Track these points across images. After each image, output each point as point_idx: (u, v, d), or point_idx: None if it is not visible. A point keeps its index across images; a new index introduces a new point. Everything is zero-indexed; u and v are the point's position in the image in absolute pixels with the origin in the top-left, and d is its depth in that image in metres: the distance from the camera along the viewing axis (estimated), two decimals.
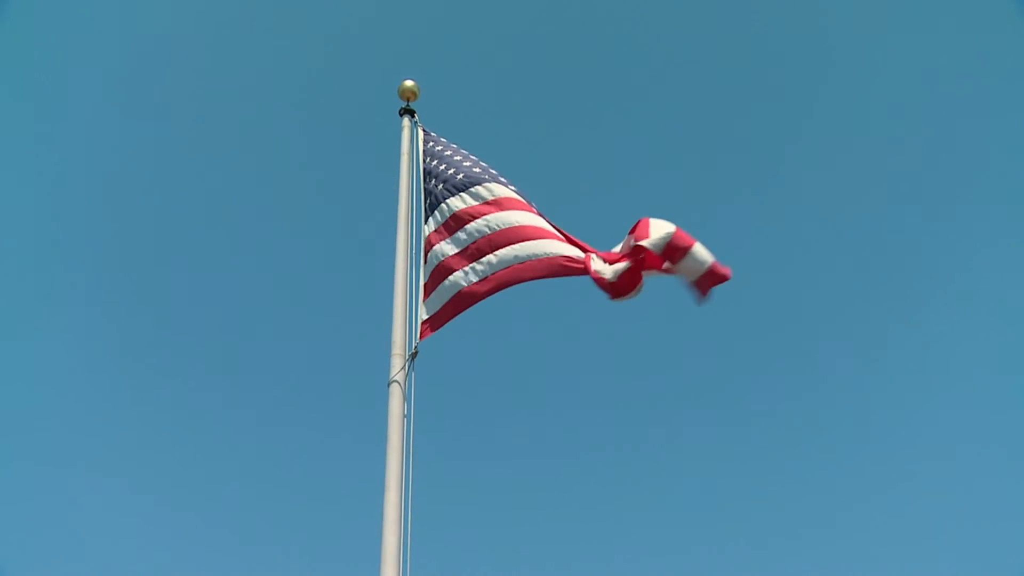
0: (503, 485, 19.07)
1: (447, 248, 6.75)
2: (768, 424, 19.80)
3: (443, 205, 7.00)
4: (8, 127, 18.92)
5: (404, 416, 5.97)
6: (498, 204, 6.74)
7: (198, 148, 21.32)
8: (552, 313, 20.77)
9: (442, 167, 7.29)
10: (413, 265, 6.83)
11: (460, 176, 7.07)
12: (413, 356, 6.28)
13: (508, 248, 6.45)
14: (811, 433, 19.36)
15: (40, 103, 19.47)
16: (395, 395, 6.03)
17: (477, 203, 6.82)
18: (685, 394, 21.01)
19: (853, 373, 20.26)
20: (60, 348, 18.61)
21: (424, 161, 7.53)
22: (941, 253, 20.67)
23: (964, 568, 15.61)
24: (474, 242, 6.63)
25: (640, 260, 5.76)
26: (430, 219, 7.08)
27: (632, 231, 5.92)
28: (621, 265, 5.83)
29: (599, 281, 5.88)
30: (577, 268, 6.10)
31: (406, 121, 7.91)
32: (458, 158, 7.33)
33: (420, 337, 6.42)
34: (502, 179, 7.04)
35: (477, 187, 6.92)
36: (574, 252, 6.21)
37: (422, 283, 6.75)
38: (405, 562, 5.39)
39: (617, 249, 6.09)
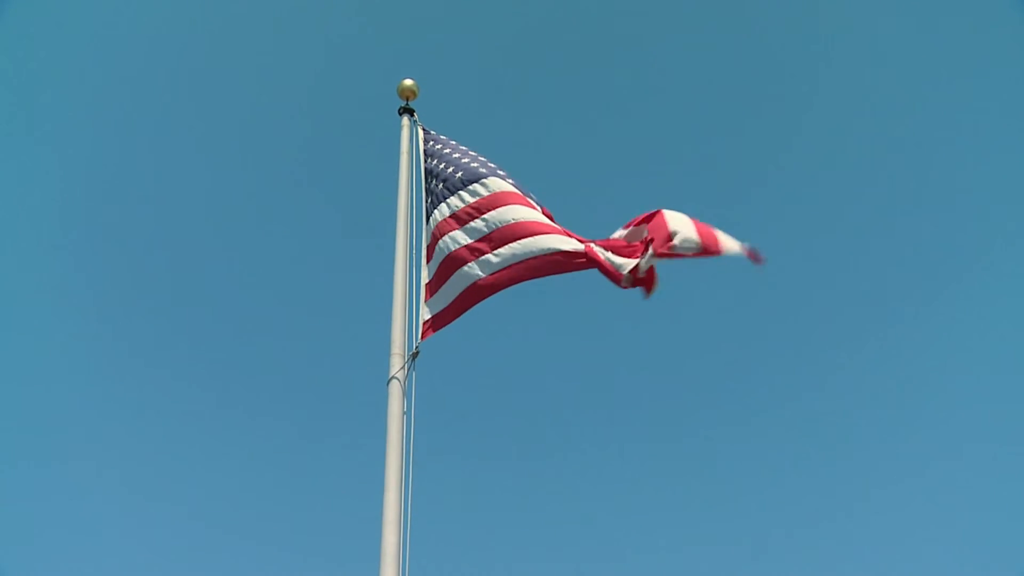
0: (503, 484, 19.08)
1: (450, 245, 6.73)
2: (768, 424, 19.81)
3: (443, 205, 6.99)
4: (8, 127, 18.94)
5: (404, 414, 5.96)
6: (497, 200, 6.71)
7: (198, 147, 21.35)
8: (553, 312, 20.77)
9: (442, 166, 7.28)
10: (413, 264, 6.82)
11: (459, 175, 7.06)
12: (414, 356, 6.26)
13: (508, 247, 6.43)
14: (811, 433, 19.38)
15: (40, 103, 19.50)
16: (395, 394, 6.01)
17: (477, 200, 6.80)
18: (686, 394, 21.02)
19: (854, 373, 20.28)
20: (60, 348, 18.63)
21: (425, 161, 7.53)
22: (943, 253, 20.68)
23: (965, 568, 15.62)
24: (475, 241, 6.62)
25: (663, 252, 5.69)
26: (431, 219, 7.07)
27: (645, 222, 5.89)
28: (640, 261, 5.73)
29: (612, 274, 5.81)
30: (580, 263, 6.08)
31: (405, 120, 7.90)
32: (456, 155, 7.31)
33: (422, 337, 6.40)
34: (500, 171, 7.02)
35: (475, 184, 6.90)
36: (574, 246, 6.14)
37: (424, 283, 6.74)
38: (405, 561, 5.38)
39: (618, 235, 6.05)
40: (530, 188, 6.95)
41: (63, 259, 19.48)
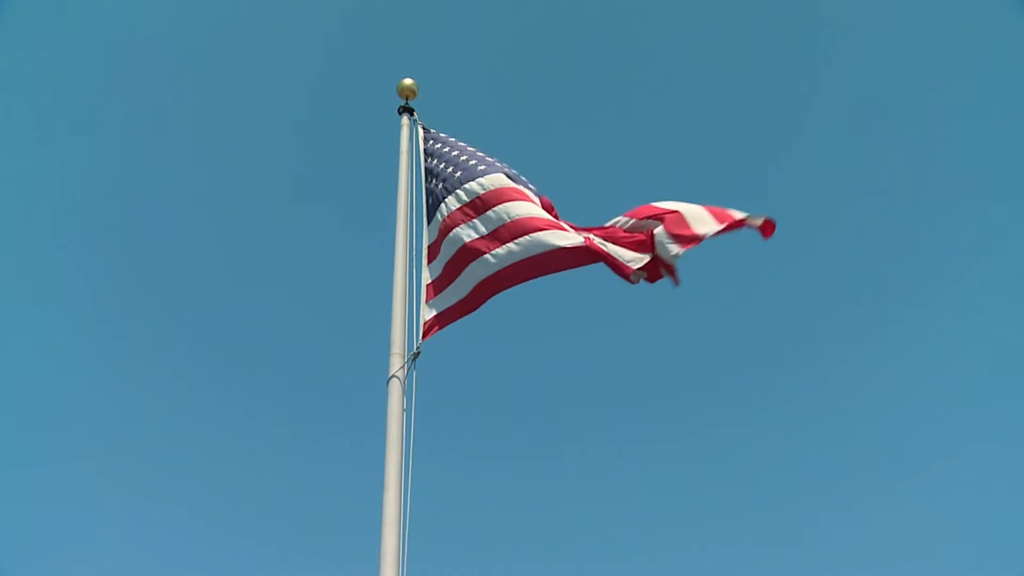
0: (503, 484, 19.07)
1: (462, 237, 6.70)
2: (769, 424, 19.81)
3: (443, 204, 6.97)
4: (8, 127, 18.94)
5: (404, 413, 5.94)
6: (497, 197, 6.69)
7: (198, 147, 21.35)
8: (552, 312, 20.78)
9: (442, 166, 7.27)
10: (413, 263, 6.81)
11: (459, 174, 7.04)
12: (415, 356, 6.24)
13: (506, 247, 6.41)
14: (811, 433, 19.37)
15: (40, 103, 19.50)
16: (394, 393, 5.99)
17: (475, 199, 6.78)
18: (686, 394, 21.02)
19: (854, 373, 20.28)
20: (60, 348, 18.63)
21: (425, 161, 7.52)
22: (943, 253, 20.68)
23: (965, 568, 15.60)
24: (476, 240, 6.60)
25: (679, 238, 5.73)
26: (432, 219, 7.06)
27: (653, 217, 5.88)
28: (664, 257, 5.77)
29: (621, 268, 5.81)
30: (583, 258, 6.05)
31: (405, 119, 7.90)
32: (455, 153, 7.30)
33: (424, 336, 6.37)
34: (498, 164, 7.00)
35: (473, 183, 6.87)
36: (574, 241, 6.10)
37: (425, 283, 6.72)
38: (404, 561, 5.37)
39: (618, 223, 6.04)
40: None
41: (63, 259, 19.51)
